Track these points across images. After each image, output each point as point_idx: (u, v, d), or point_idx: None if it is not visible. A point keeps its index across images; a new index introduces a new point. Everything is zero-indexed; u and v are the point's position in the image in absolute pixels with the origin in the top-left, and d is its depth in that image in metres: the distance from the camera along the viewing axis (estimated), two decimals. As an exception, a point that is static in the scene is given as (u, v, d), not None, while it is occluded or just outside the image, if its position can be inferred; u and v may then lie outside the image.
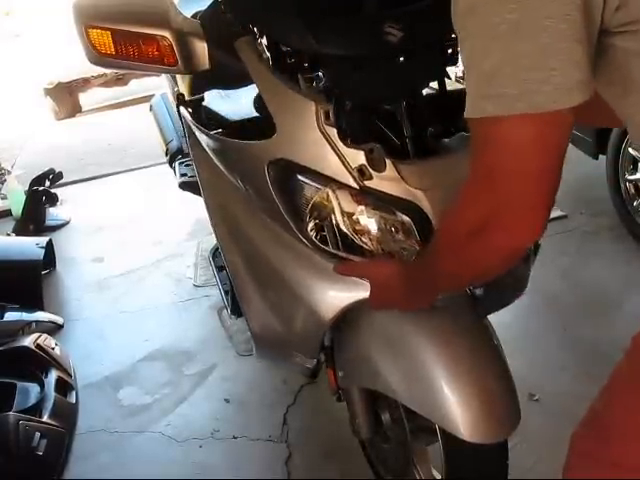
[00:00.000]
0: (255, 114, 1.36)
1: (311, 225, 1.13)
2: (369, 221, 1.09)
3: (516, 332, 2.12)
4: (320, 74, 1.14)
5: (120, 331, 2.52)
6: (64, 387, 2.03)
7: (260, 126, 1.20)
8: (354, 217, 1.09)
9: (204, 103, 1.48)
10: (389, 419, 1.38)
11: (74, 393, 2.06)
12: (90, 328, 2.56)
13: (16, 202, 3.58)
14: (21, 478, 1.74)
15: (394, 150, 1.13)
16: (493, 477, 1.19)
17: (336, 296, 1.17)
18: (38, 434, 1.77)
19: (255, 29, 1.14)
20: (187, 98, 1.57)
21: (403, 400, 1.15)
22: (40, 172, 3.77)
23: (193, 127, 1.43)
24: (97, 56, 1.14)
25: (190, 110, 1.48)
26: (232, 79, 1.30)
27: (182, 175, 2.09)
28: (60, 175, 3.86)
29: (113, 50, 1.12)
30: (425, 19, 1.10)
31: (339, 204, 1.08)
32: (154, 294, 2.75)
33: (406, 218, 1.08)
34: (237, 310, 1.72)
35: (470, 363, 1.09)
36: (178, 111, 1.60)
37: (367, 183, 1.06)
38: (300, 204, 1.13)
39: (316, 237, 1.14)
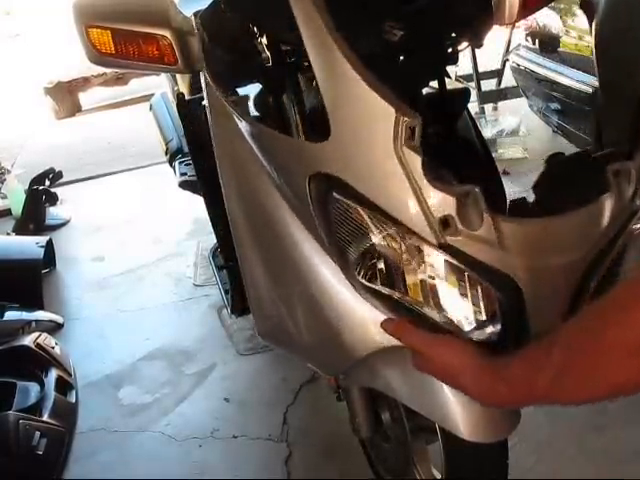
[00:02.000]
0: (256, 114, 1.36)
1: (362, 272, 0.89)
2: (442, 289, 0.84)
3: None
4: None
5: (120, 330, 2.52)
6: (64, 386, 2.03)
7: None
8: (420, 278, 0.84)
9: (204, 102, 1.48)
10: (389, 418, 1.38)
11: (74, 392, 2.06)
12: (90, 327, 2.57)
13: (16, 201, 3.58)
14: (21, 477, 1.74)
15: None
16: (493, 477, 1.19)
17: (379, 335, 0.95)
18: (38, 433, 1.76)
19: (255, 28, 1.14)
20: (187, 97, 1.57)
21: (403, 399, 1.14)
22: (40, 171, 3.78)
23: (214, 90, 1.15)
24: (97, 55, 1.14)
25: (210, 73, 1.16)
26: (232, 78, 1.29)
27: (182, 174, 2.09)
28: (60, 174, 3.87)
29: (113, 49, 1.12)
30: (425, 18, 1.09)
31: (404, 258, 0.83)
32: (154, 293, 2.75)
33: (496, 294, 0.82)
34: (237, 309, 1.73)
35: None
36: (178, 110, 1.60)
37: (450, 239, 0.79)
38: (349, 239, 0.88)
39: (365, 276, 0.90)
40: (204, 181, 1.62)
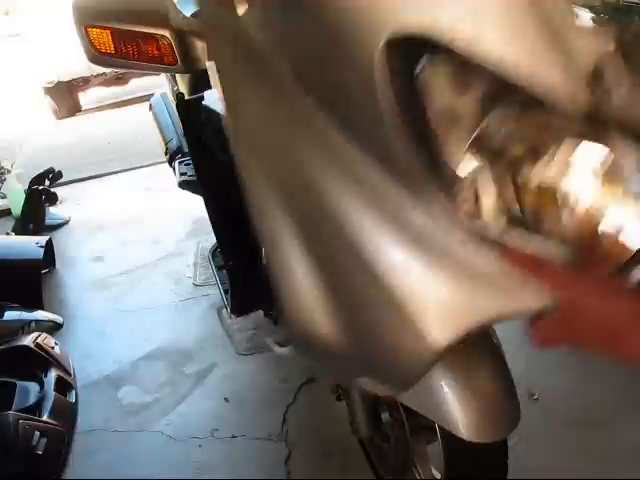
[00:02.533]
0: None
1: (468, 192, 0.60)
2: (590, 193, 0.54)
3: (516, 330, 2.11)
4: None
5: (120, 330, 2.53)
6: (64, 386, 2.02)
7: None
8: (552, 181, 0.55)
9: (204, 102, 1.48)
10: (389, 418, 1.38)
11: (74, 392, 2.05)
12: (90, 327, 2.57)
13: (16, 201, 3.58)
14: (21, 477, 1.74)
15: None
16: (493, 476, 1.19)
17: (473, 303, 0.68)
18: (38, 433, 1.76)
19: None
20: (187, 97, 1.57)
21: (403, 399, 1.15)
22: (40, 171, 3.78)
23: None
24: (97, 55, 1.14)
25: None
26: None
27: (182, 174, 2.09)
28: (60, 174, 3.87)
29: (113, 49, 1.12)
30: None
31: (533, 145, 0.55)
32: (154, 293, 2.75)
33: None
34: (236, 309, 1.73)
35: (469, 361, 1.09)
36: (178, 110, 1.60)
37: (605, 102, 0.52)
38: (447, 133, 0.59)
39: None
40: (204, 181, 1.62)
